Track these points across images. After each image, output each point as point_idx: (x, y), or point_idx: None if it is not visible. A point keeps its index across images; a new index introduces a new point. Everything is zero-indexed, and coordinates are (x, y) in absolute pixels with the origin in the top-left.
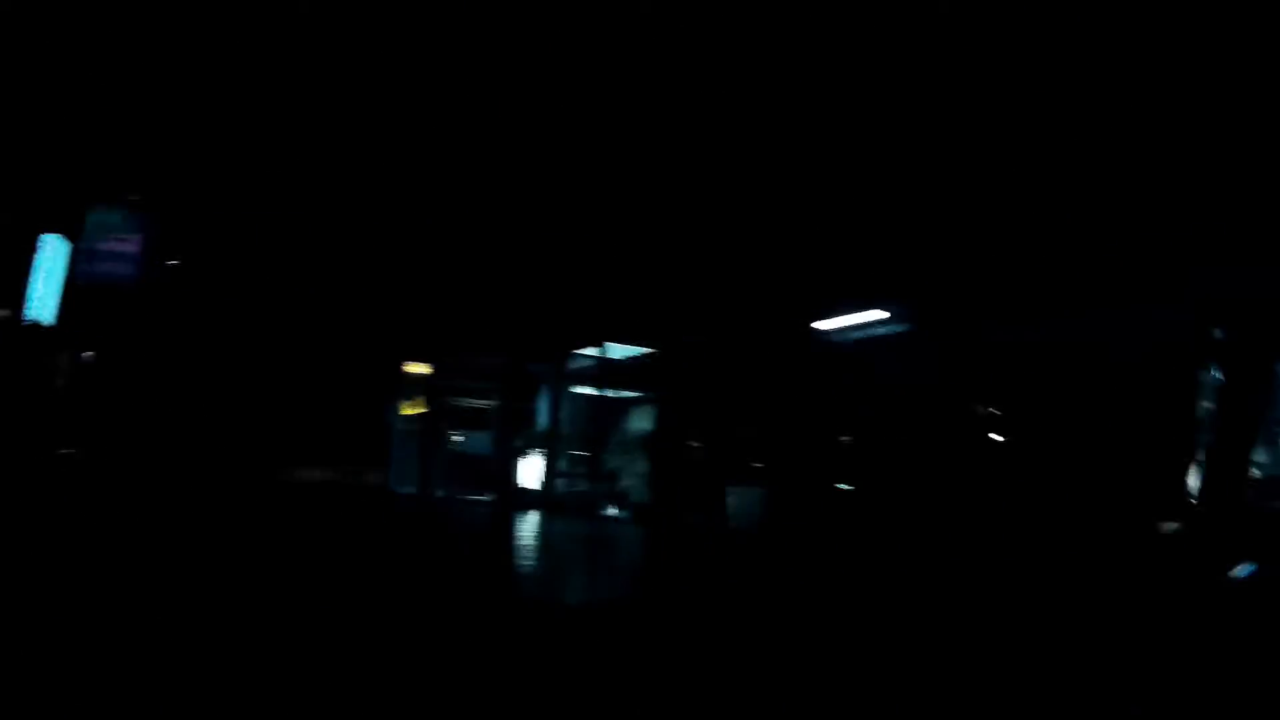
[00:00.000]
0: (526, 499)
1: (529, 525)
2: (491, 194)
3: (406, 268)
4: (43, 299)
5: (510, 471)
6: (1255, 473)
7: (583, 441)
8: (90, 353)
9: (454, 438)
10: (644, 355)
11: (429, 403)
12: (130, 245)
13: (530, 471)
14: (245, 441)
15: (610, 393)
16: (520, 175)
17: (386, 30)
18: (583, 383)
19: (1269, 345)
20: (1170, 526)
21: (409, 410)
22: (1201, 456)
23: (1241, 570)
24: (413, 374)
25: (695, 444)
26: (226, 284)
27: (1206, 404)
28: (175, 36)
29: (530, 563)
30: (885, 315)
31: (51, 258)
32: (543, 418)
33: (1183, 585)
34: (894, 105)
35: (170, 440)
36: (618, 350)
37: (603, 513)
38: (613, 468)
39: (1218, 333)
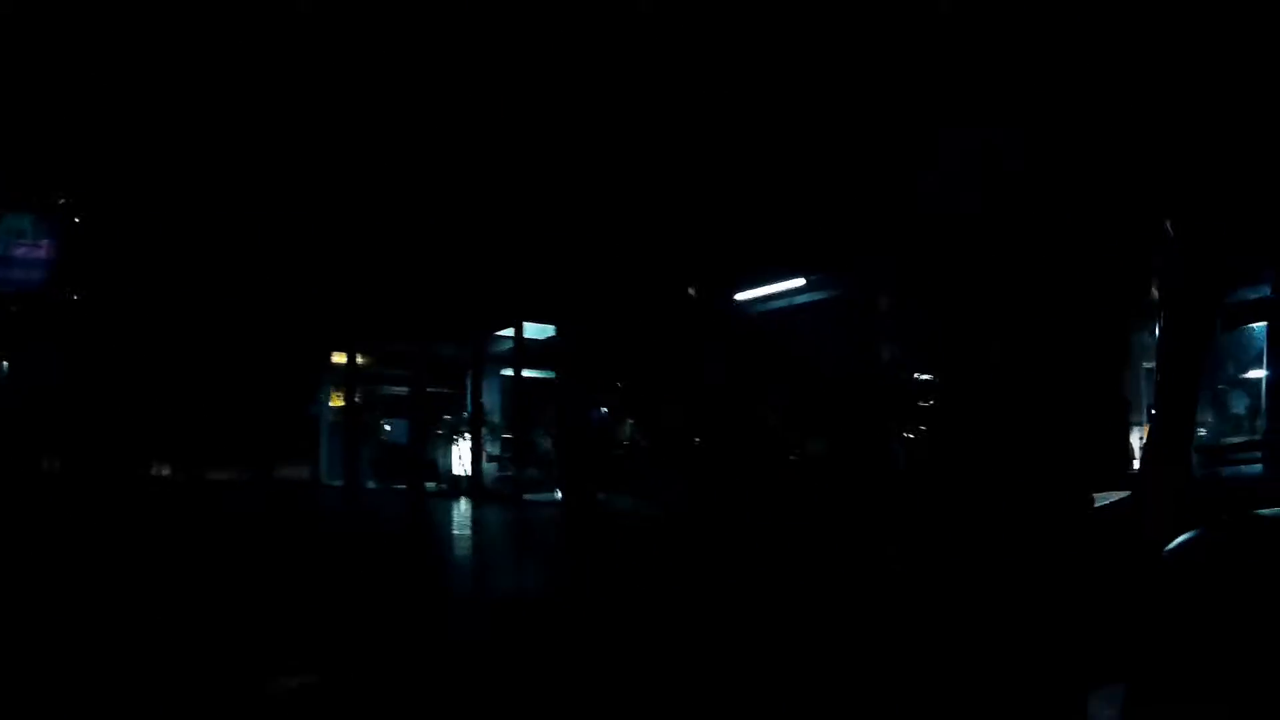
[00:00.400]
0: (452, 486)
1: (443, 514)
2: (402, 176)
3: (329, 260)
4: None
5: (427, 460)
6: (1201, 432)
7: (505, 425)
8: (4, 361)
9: (384, 428)
10: (560, 335)
11: (355, 395)
12: (40, 250)
13: (454, 458)
14: (178, 443)
15: (531, 374)
16: (424, 155)
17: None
18: (503, 365)
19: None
20: (1108, 496)
21: (336, 403)
22: (1143, 420)
23: (1182, 539)
24: (339, 366)
25: (615, 424)
26: (145, 286)
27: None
28: (70, 41)
29: (427, 557)
30: (804, 282)
31: None
32: (465, 403)
33: (1122, 557)
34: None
35: (94, 443)
36: (536, 330)
37: (526, 497)
38: (535, 452)
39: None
